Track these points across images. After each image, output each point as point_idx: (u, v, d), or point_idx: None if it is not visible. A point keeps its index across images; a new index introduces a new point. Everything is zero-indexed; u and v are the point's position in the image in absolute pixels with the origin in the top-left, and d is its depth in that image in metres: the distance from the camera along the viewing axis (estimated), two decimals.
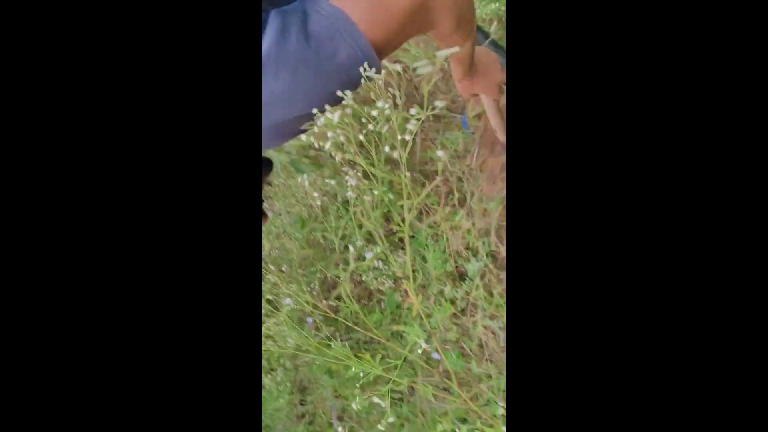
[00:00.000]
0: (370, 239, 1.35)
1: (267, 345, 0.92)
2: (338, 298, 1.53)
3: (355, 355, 0.88)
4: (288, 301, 1.05)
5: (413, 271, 1.43)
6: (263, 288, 0.96)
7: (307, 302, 0.97)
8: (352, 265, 0.86)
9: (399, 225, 0.77)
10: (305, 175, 1.35)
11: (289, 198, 1.58)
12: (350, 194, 0.76)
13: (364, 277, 1.34)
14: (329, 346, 0.90)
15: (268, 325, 0.91)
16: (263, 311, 0.93)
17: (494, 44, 0.98)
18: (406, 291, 0.83)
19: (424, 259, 1.29)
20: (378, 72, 0.53)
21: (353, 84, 0.54)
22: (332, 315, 1.32)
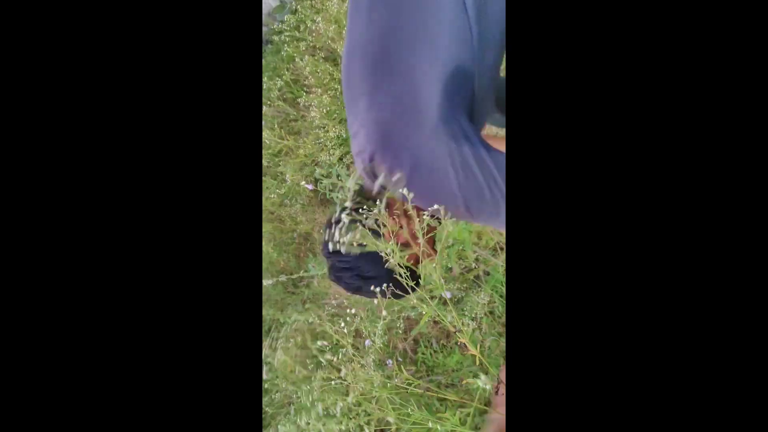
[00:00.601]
0: (446, 278, 1.35)
1: (348, 388, 0.94)
2: (416, 340, 1.52)
3: (437, 415, 0.87)
4: (368, 342, 1.07)
5: (491, 312, 1.40)
6: (346, 330, 0.98)
7: (387, 344, 0.98)
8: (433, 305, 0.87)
9: (476, 261, 0.77)
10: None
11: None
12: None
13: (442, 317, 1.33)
14: (408, 398, 0.89)
15: (352, 368, 0.92)
16: (347, 352, 0.95)
17: None
18: (464, 344, 0.82)
19: (502, 296, 1.27)
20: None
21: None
22: (411, 356, 1.31)
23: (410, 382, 0.85)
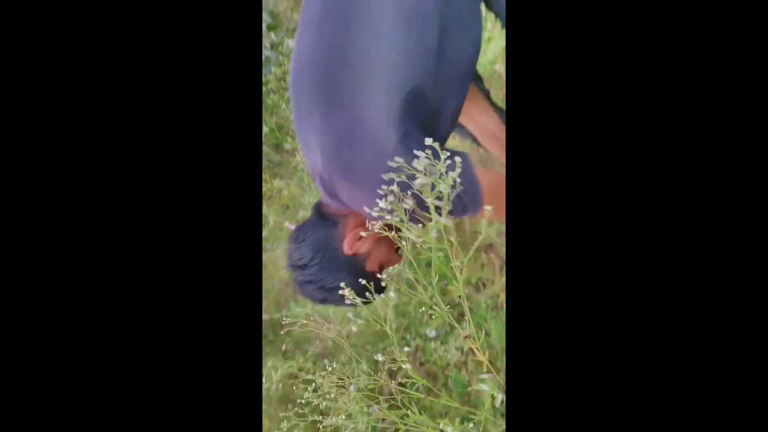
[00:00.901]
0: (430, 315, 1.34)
1: (340, 424, 0.90)
2: (402, 384, 1.47)
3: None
4: (352, 387, 1.03)
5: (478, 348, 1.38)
6: (336, 368, 0.96)
7: (372, 388, 0.95)
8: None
9: (459, 296, 0.78)
10: None
11: None
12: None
13: (428, 357, 1.31)
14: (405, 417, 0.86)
15: (340, 405, 0.89)
16: (333, 392, 0.92)
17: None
18: (471, 350, 0.82)
19: (486, 333, 1.26)
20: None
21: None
22: (398, 398, 1.27)
23: (410, 382, 0.82)
